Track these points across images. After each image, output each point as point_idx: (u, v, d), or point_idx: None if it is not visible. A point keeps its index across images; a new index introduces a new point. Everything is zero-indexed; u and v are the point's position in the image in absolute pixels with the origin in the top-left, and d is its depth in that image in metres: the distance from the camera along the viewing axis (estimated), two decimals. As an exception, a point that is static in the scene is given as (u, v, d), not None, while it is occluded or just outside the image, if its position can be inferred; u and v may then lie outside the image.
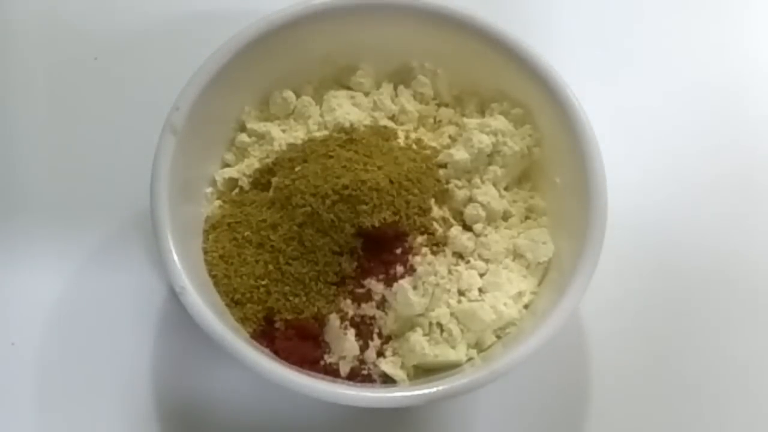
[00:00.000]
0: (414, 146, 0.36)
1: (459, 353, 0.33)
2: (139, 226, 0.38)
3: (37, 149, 0.41)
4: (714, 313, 0.40)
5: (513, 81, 0.36)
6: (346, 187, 0.33)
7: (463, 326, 0.33)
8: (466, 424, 0.37)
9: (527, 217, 0.36)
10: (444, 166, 0.35)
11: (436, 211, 0.34)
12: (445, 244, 0.34)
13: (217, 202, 0.36)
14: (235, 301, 0.33)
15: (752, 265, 0.41)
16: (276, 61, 0.36)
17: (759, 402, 0.39)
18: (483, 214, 0.35)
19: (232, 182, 0.36)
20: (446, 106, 0.38)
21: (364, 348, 0.33)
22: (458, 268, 0.34)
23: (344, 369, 0.33)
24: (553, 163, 0.36)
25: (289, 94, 0.37)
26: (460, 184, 0.35)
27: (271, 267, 0.33)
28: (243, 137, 0.37)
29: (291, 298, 0.33)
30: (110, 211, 0.39)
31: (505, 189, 0.36)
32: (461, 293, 0.34)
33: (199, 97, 0.33)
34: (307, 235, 0.33)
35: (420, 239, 0.34)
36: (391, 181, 0.33)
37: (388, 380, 0.33)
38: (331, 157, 0.34)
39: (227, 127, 0.37)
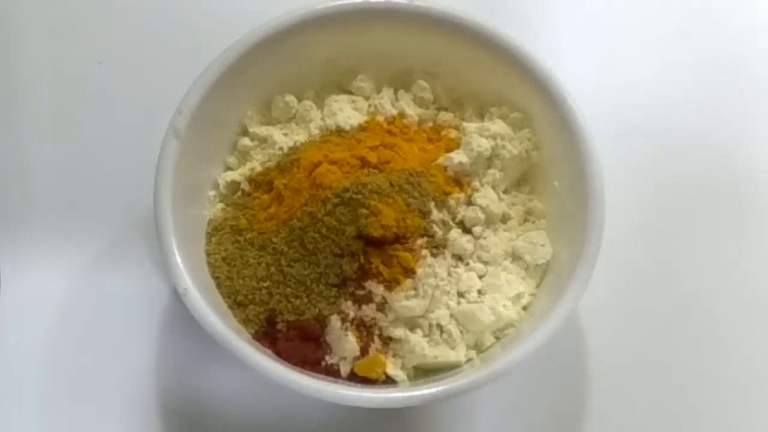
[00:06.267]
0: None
1: (458, 354, 0.33)
2: (143, 229, 0.39)
3: (42, 153, 0.41)
4: (712, 314, 0.40)
5: (512, 85, 0.36)
6: (347, 190, 0.33)
7: (462, 327, 0.34)
8: (466, 424, 0.37)
9: (526, 220, 0.36)
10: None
11: (436, 214, 0.34)
12: (444, 247, 0.34)
13: (220, 205, 0.36)
14: (237, 303, 0.33)
15: (750, 266, 0.41)
16: (278, 65, 0.36)
17: (758, 402, 0.39)
18: (482, 216, 0.35)
19: (235, 185, 0.37)
20: (446, 110, 0.39)
21: (364, 349, 0.33)
22: (458, 270, 0.34)
23: (345, 370, 0.33)
24: (551, 167, 0.36)
25: (291, 99, 0.37)
26: (459, 187, 0.36)
27: (272, 269, 0.33)
28: (245, 141, 0.37)
29: (292, 299, 0.33)
30: (114, 214, 0.39)
31: (504, 192, 0.37)
32: (461, 295, 0.34)
33: (201, 101, 0.33)
34: (309, 237, 0.33)
35: (420, 242, 0.34)
36: (391, 184, 0.34)
37: (388, 381, 0.33)
38: (331, 160, 0.35)
39: (230, 131, 0.37)
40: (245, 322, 0.33)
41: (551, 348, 0.31)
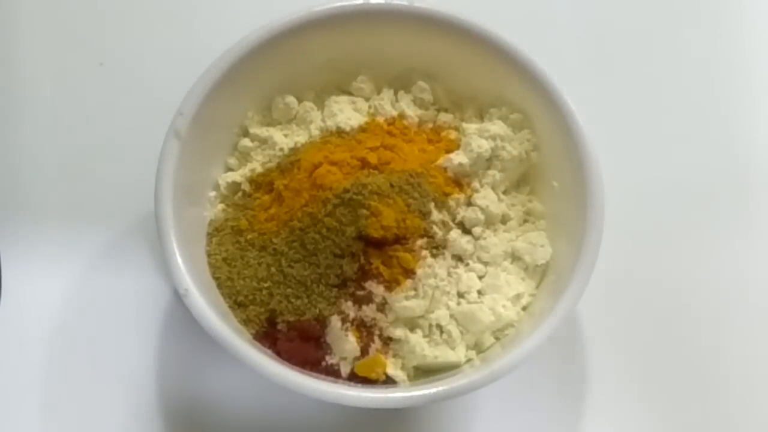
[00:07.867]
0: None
1: (458, 354, 0.33)
2: (144, 230, 0.39)
3: (43, 154, 0.41)
4: (711, 314, 0.40)
5: (512, 86, 0.36)
6: (347, 190, 0.33)
7: (462, 328, 0.34)
8: (466, 424, 0.37)
9: (525, 221, 0.37)
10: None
11: (436, 215, 0.35)
12: (444, 247, 0.34)
13: (221, 206, 0.36)
14: (238, 303, 0.33)
15: (748, 267, 0.41)
16: (278, 67, 0.36)
17: (758, 400, 0.39)
18: (482, 217, 0.35)
19: (235, 186, 0.37)
20: (446, 111, 0.39)
21: (364, 349, 0.33)
22: (457, 270, 0.34)
23: (345, 370, 0.33)
24: (550, 167, 0.36)
25: (291, 100, 0.38)
26: (459, 188, 0.36)
27: (273, 270, 0.33)
28: (246, 142, 0.37)
29: (293, 300, 0.33)
30: (115, 215, 0.40)
31: (504, 193, 0.37)
32: (460, 295, 0.34)
33: (202, 102, 0.33)
34: (309, 238, 0.33)
35: (420, 242, 0.34)
36: (391, 185, 0.34)
37: (388, 381, 0.33)
38: (332, 161, 0.35)
39: (230, 132, 0.37)
40: (246, 322, 0.33)
41: (551, 348, 0.31)
